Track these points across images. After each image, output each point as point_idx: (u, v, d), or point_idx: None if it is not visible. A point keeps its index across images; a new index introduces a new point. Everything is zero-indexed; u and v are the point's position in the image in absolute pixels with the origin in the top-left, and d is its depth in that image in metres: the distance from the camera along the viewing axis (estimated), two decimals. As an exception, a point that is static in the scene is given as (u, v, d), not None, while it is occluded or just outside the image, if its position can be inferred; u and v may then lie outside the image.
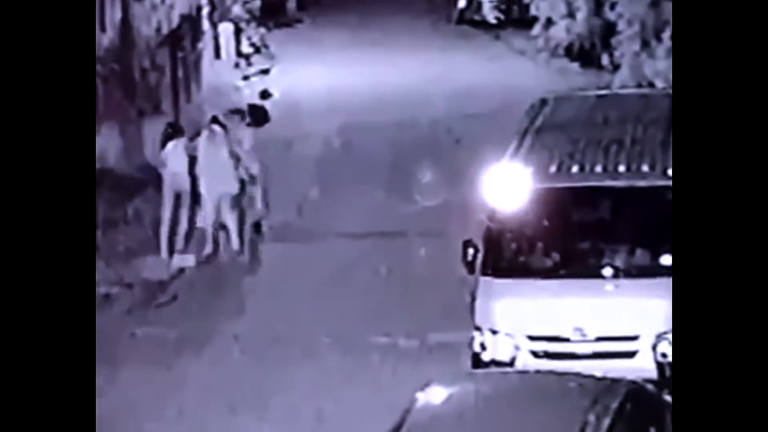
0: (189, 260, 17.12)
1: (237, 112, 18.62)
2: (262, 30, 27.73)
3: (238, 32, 26.47)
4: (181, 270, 17.09)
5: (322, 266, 16.88)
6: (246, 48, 26.93)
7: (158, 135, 18.22)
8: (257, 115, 23.33)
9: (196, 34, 23.97)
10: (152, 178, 19.68)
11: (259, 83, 25.37)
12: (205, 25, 24.85)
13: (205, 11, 24.75)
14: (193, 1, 23.55)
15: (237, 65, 26.17)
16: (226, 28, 25.95)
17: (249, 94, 24.55)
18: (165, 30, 21.67)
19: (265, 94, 24.64)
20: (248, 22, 27.18)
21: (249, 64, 26.56)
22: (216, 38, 25.61)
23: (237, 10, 26.78)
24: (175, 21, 22.20)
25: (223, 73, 25.01)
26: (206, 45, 24.78)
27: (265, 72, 26.25)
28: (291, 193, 19.39)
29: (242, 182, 17.22)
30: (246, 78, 25.70)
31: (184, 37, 22.66)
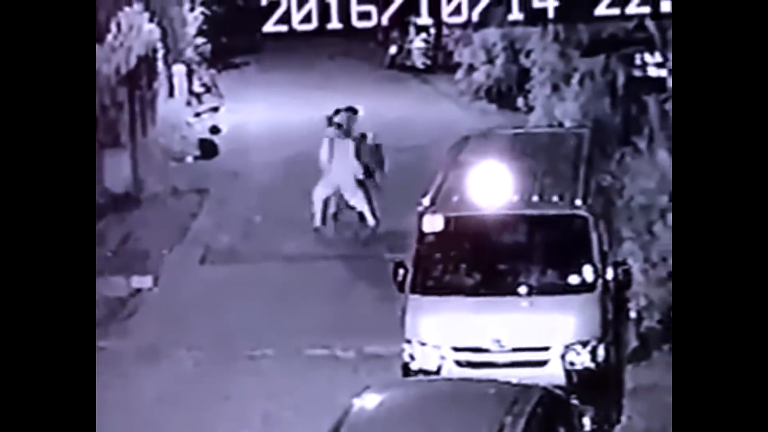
0: (146, 282, 17.08)
1: (350, 110, 19.01)
2: (213, 71, 27.69)
3: (190, 73, 26.42)
4: (138, 290, 17.03)
5: (266, 286, 16.83)
6: (197, 87, 26.88)
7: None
8: (207, 149, 23.39)
9: (152, 74, 23.93)
10: (112, 204, 19.66)
11: (209, 120, 25.32)
12: (160, 66, 24.82)
13: (161, 54, 24.73)
14: (149, 44, 23.51)
15: (189, 103, 26.09)
16: (179, 69, 25.89)
17: (200, 130, 24.50)
18: (123, 70, 21.64)
19: (214, 130, 24.59)
20: (199, 64, 27.14)
21: (200, 102, 26.48)
22: (170, 78, 25.54)
23: (189, 53, 26.75)
24: (133, 62, 22.17)
25: (176, 110, 24.93)
26: (161, 84, 24.71)
27: (215, 109, 26.16)
28: (237, 219, 19.40)
29: None
30: (197, 115, 25.61)
31: (140, 76, 22.62)
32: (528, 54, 21.93)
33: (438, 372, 12.70)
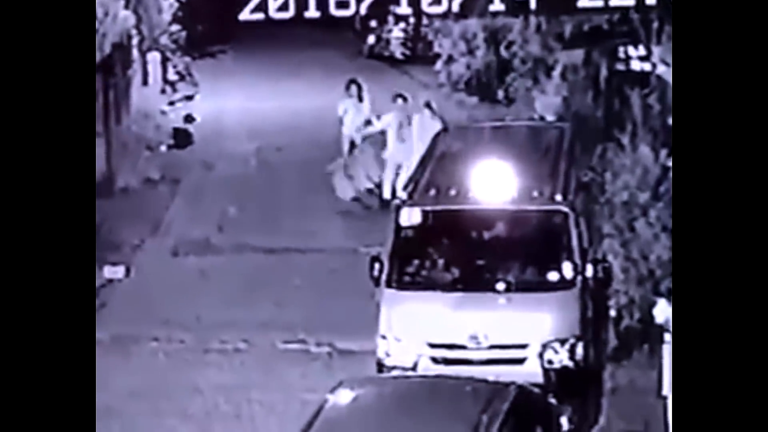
0: (119, 272, 17.01)
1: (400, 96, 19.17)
2: (187, 59, 27.57)
3: (164, 61, 26.31)
4: (110, 280, 16.96)
5: (240, 279, 16.78)
6: (172, 75, 26.75)
7: None
8: (181, 138, 23.29)
9: (126, 61, 23.81)
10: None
11: (183, 108, 25.21)
12: (135, 53, 24.69)
13: (135, 41, 24.59)
14: (124, 31, 23.37)
15: (163, 91, 25.98)
16: (153, 57, 25.77)
17: (174, 118, 24.40)
18: (98, 57, 21.51)
19: (188, 118, 24.50)
20: (174, 51, 27.02)
21: (174, 91, 26.36)
22: (144, 66, 25.44)
23: (164, 40, 26.61)
24: (107, 49, 22.04)
25: (150, 99, 24.80)
26: (135, 72, 24.61)
27: (189, 98, 26.06)
28: (211, 211, 19.33)
29: None
30: (171, 103, 25.50)
31: (115, 64, 22.50)
32: (509, 45, 21.91)
33: (413, 369, 12.67)
